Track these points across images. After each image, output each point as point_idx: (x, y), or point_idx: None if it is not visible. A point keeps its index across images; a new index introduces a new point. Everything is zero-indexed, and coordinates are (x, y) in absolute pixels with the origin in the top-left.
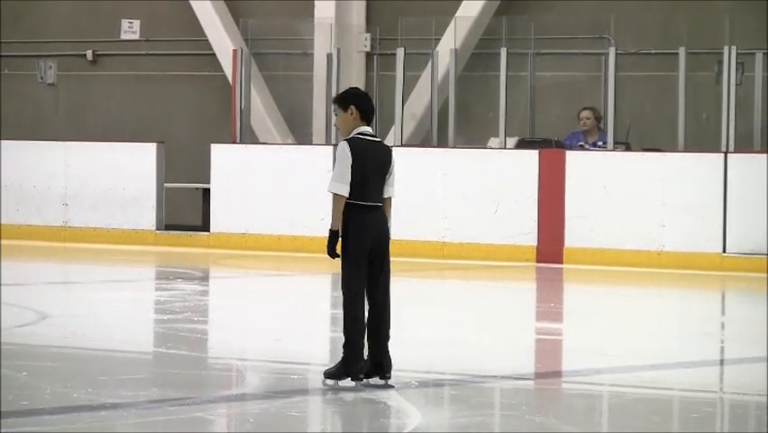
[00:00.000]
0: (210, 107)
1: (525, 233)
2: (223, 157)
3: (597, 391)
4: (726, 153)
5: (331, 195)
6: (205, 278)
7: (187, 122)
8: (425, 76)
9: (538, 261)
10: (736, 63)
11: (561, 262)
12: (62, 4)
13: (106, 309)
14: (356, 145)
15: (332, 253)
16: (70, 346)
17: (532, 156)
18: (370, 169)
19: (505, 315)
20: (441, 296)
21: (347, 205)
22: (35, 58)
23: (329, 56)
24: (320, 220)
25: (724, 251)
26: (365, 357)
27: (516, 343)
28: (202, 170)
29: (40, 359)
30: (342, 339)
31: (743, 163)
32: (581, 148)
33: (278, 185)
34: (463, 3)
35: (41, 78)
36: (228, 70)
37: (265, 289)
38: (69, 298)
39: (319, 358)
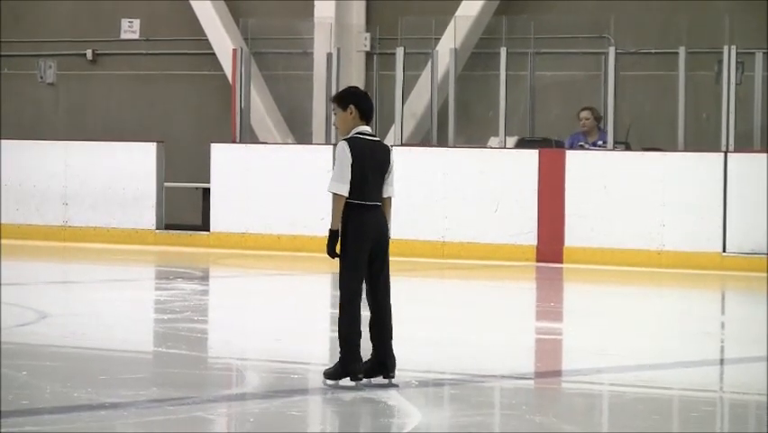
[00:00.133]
0: (210, 107)
1: (525, 232)
2: (223, 156)
3: (597, 391)
4: (726, 153)
5: (331, 194)
6: (205, 277)
7: (186, 121)
8: (425, 75)
9: (538, 260)
10: (736, 63)
11: (561, 262)
12: (62, 3)
13: (106, 309)
14: (356, 145)
15: (331, 253)
16: (70, 346)
17: (532, 155)
18: (369, 168)
19: (505, 314)
20: (441, 295)
21: (347, 204)
22: (35, 57)
23: (329, 55)
24: (320, 220)
25: (724, 250)
26: (362, 357)
27: (516, 342)
28: (202, 169)
29: (40, 358)
30: (339, 339)
31: (743, 163)
32: (581, 148)
33: (278, 184)
34: (463, 2)
35: (41, 77)
36: (228, 70)
37: (265, 288)
38: (69, 297)
39: (319, 358)
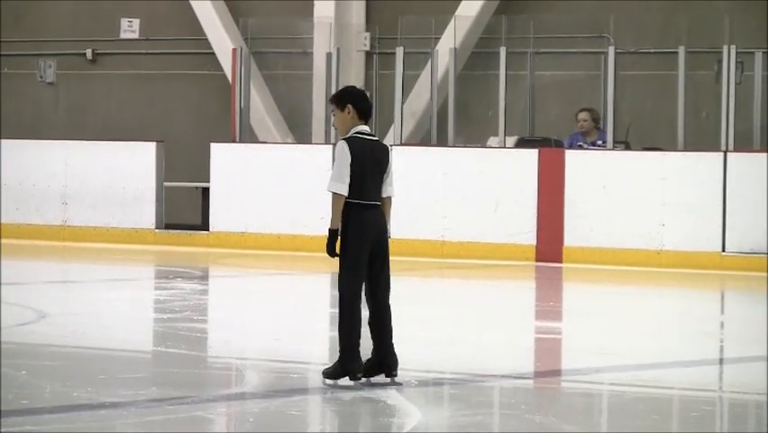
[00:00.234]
0: (210, 106)
1: (525, 232)
2: (222, 156)
3: (596, 391)
4: (725, 152)
5: (330, 194)
6: (204, 277)
7: (186, 121)
8: (425, 75)
9: (538, 260)
10: (736, 62)
11: (560, 262)
12: (62, 3)
13: (106, 308)
14: (355, 144)
15: (331, 253)
16: (70, 345)
17: (531, 155)
18: (368, 168)
19: (504, 314)
20: (440, 295)
21: (346, 204)
22: (35, 57)
23: (329, 55)
24: (320, 219)
25: (723, 250)
26: (362, 357)
27: (515, 342)
28: (201, 169)
29: (39, 358)
30: (339, 339)
31: (742, 162)
32: (580, 148)
33: (278, 184)
34: (463, 2)
35: (41, 77)
36: (228, 69)
37: (265, 288)
38: (69, 297)
39: (319, 357)
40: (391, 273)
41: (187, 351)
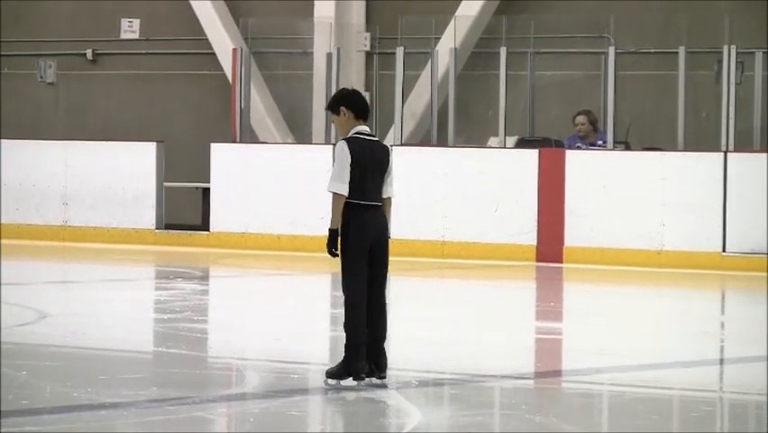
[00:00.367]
0: (210, 106)
1: (525, 232)
2: (222, 156)
3: (596, 391)
4: (725, 152)
5: (331, 194)
6: (204, 277)
7: (186, 121)
8: (425, 75)
9: (538, 260)
10: (736, 62)
11: (560, 262)
12: (62, 3)
13: (106, 309)
14: (355, 145)
15: (331, 252)
16: (70, 346)
17: (532, 155)
18: (368, 168)
19: (505, 314)
20: (441, 295)
21: (347, 204)
22: (35, 57)
23: (329, 55)
24: (320, 219)
25: (724, 250)
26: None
27: (515, 342)
28: (202, 169)
29: (40, 358)
30: (344, 338)
31: (742, 162)
32: (579, 149)
33: (278, 184)
34: (463, 2)
35: (41, 77)
36: (228, 70)
37: (265, 288)
38: (69, 297)
39: (319, 357)
40: (391, 274)
41: (188, 351)
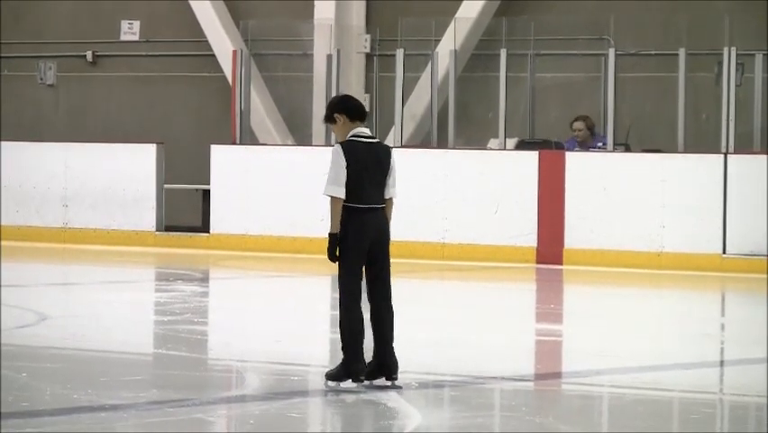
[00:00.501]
0: (210, 108)
1: (525, 234)
2: (222, 158)
3: (596, 393)
4: (725, 154)
5: (328, 198)
6: (204, 279)
7: (186, 123)
8: (425, 77)
9: (538, 262)
10: (736, 64)
11: (560, 264)
12: (62, 4)
13: (106, 311)
14: (350, 147)
15: (332, 257)
16: (70, 348)
17: (532, 157)
18: (367, 170)
19: (505, 316)
20: (441, 297)
21: (345, 207)
22: (35, 59)
23: (329, 57)
24: (320, 221)
25: (724, 252)
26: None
27: (516, 344)
28: (202, 171)
29: (40, 360)
30: (341, 341)
31: (743, 164)
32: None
33: (278, 186)
34: (463, 3)
35: (41, 78)
36: (228, 71)
37: (265, 290)
38: (69, 299)
39: (319, 359)
40: (392, 275)
41: (188, 353)
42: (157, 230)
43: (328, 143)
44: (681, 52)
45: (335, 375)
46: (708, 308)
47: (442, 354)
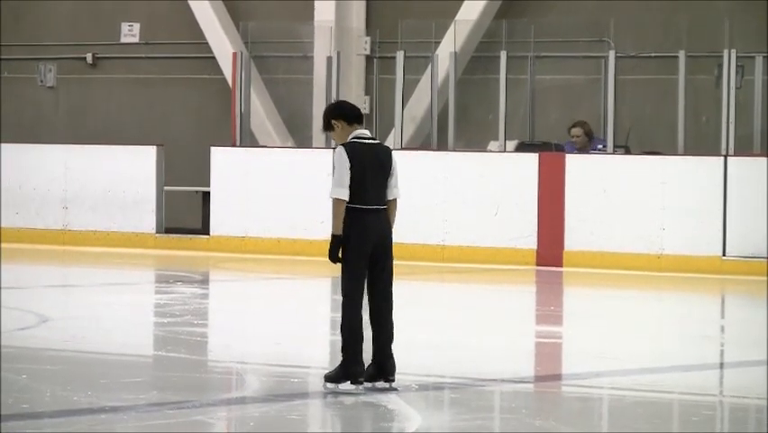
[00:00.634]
0: (210, 110)
1: (525, 236)
2: (222, 160)
3: (596, 395)
4: (725, 156)
5: (331, 200)
6: (204, 281)
7: (186, 125)
8: (425, 79)
9: (538, 264)
10: (736, 66)
11: (560, 266)
12: (62, 6)
13: (106, 312)
14: (352, 149)
15: (333, 258)
16: (70, 350)
17: (532, 159)
18: (369, 171)
19: (505, 318)
20: (441, 299)
21: (348, 209)
22: (35, 61)
23: (329, 59)
24: (320, 223)
25: (724, 254)
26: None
27: (515, 346)
28: (202, 173)
29: (40, 362)
30: (341, 342)
31: (743, 166)
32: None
33: (278, 188)
34: (463, 6)
35: (41, 80)
36: (228, 73)
37: (265, 292)
38: (69, 301)
39: (319, 361)
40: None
41: (188, 355)
42: (157, 232)
43: (328, 146)
44: (681, 54)
45: (334, 377)
46: (708, 310)
47: (442, 355)
